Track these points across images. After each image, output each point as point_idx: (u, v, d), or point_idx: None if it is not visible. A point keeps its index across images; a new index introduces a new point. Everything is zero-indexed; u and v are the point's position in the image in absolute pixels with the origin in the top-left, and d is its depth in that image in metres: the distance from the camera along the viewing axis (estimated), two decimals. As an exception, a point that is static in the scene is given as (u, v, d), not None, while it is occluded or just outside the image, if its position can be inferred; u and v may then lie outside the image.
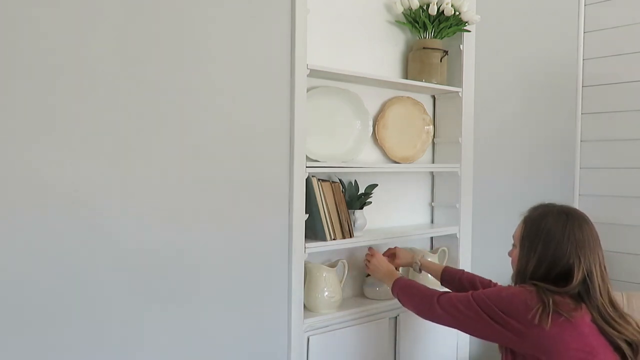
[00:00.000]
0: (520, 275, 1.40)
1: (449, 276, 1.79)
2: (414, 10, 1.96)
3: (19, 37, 1.19)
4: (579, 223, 1.36)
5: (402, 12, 2.00)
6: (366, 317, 1.84)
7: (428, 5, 1.94)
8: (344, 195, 1.79)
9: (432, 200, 2.22)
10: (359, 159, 1.95)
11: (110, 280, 1.32)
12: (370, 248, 1.86)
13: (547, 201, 1.46)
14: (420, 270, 1.88)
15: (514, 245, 1.48)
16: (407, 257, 1.90)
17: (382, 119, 2.00)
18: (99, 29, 1.29)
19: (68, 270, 1.26)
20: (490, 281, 1.73)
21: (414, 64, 2.02)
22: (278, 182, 1.60)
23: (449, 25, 2.00)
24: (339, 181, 1.83)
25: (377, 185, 1.90)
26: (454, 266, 2.07)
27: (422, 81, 1.98)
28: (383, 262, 1.77)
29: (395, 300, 1.91)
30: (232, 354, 1.54)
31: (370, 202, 1.89)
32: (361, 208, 1.85)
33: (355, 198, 1.84)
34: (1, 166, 1.18)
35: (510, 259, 1.50)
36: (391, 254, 1.91)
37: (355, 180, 1.89)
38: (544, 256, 1.35)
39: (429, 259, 1.94)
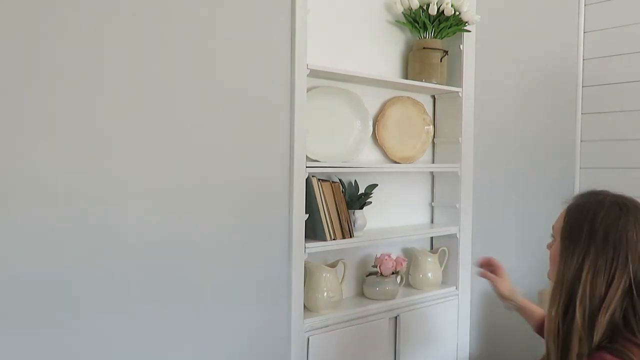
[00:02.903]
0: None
1: None
2: (414, 10, 1.96)
3: (20, 39, 1.19)
4: None
5: (402, 12, 2.00)
6: (366, 317, 1.84)
7: (428, 5, 1.94)
8: (344, 195, 1.79)
9: (432, 200, 2.22)
10: (359, 159, 1.95)
11: (110, 279, 1.32)
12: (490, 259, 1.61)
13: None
14: (512, 309, 1.56)
15: (553, 235, 1.21)
16: (507, 287, 1.55)
17: (382, 119, 2.00)
18: (101, 29, 1.29)
19: (68, 270, 1.26)
20: None
21: (414, 64, 2.02)
22: (278, 182, 1.60)
23: (449, 25, 1.99)
24: (339, 181, 1.83)
25: (377, 185, 1.90)
26: (453, 266, 2.07)
27: (422, 81, 1.98)
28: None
29: (395, 301, 1.91)
30: (232, 354, 1.54)
31: (370, 202, 1.89)
32: (361, 208, 1.85)
33: (355, 198, 1.84)
34: (3, 166, 1.18)
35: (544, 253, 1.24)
36: (494, 266, 1.60)
37: (355, 180, 1.89)
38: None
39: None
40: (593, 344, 0.99)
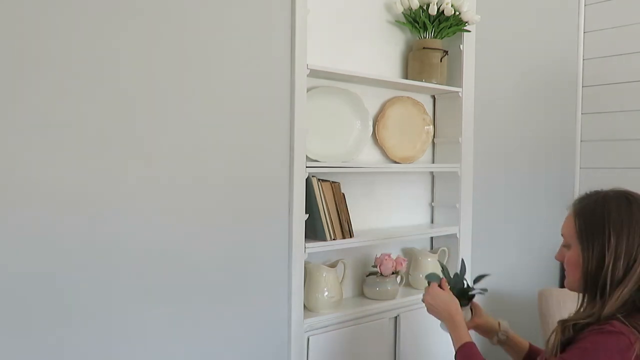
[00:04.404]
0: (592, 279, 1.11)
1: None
2: (414, 10, 1.96)
3: (20, 39, 1.19)
4: None
5: (402, 12, 2.00)
6: (366, 317, 1.84)
7: (428, 5, 1.94)
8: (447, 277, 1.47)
9: (432, 200, 2.22)
10: (359, 159, 1.94)
11: (111, 280, 1.32)
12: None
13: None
14: (499, 342, 1.45)
15: (564, 245, 1.21)
16: (488, 320, 1.46)
17: (382, 119, 2.00)
18: (101, 29, 1.29)
19: (68, 270, 1.26)
20: None
21: (414, 63, 2.02)
22: (278, 182, 1.60)
23: (449, 25, 1.99)
24: (338, 182, 1.82)
25: (488, 275, 1.52)
26: (453, 266, 2.06)
27: (422, 81, 1.98)
28: (441, 296, 1.38)
29: (395, 301, 1.91)
30: (232, 354, 1.54)
31: (481, 293, 1.49)
32: (468, 301, 1.47)
33: (464, 292, 1.46)
34: (3, 165, 1.18)
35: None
36: None
37: (462, 260, 1.63)
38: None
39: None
40: (604, 312, 1.06)
